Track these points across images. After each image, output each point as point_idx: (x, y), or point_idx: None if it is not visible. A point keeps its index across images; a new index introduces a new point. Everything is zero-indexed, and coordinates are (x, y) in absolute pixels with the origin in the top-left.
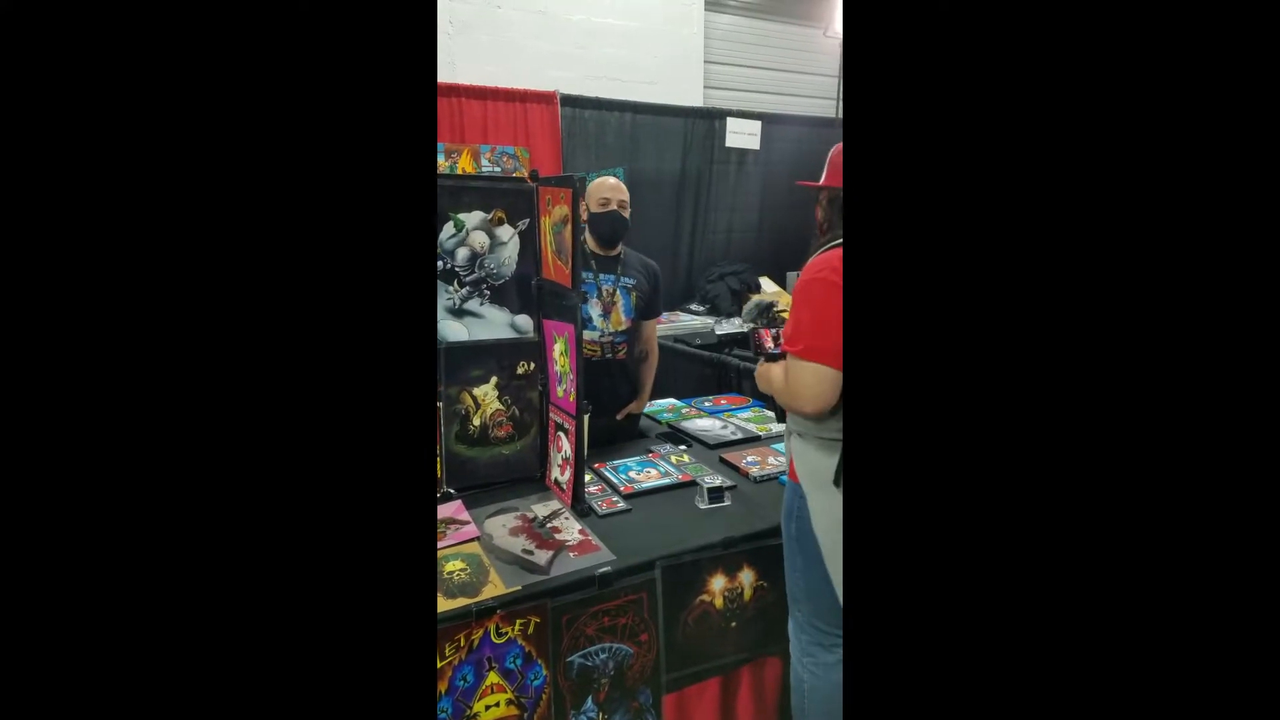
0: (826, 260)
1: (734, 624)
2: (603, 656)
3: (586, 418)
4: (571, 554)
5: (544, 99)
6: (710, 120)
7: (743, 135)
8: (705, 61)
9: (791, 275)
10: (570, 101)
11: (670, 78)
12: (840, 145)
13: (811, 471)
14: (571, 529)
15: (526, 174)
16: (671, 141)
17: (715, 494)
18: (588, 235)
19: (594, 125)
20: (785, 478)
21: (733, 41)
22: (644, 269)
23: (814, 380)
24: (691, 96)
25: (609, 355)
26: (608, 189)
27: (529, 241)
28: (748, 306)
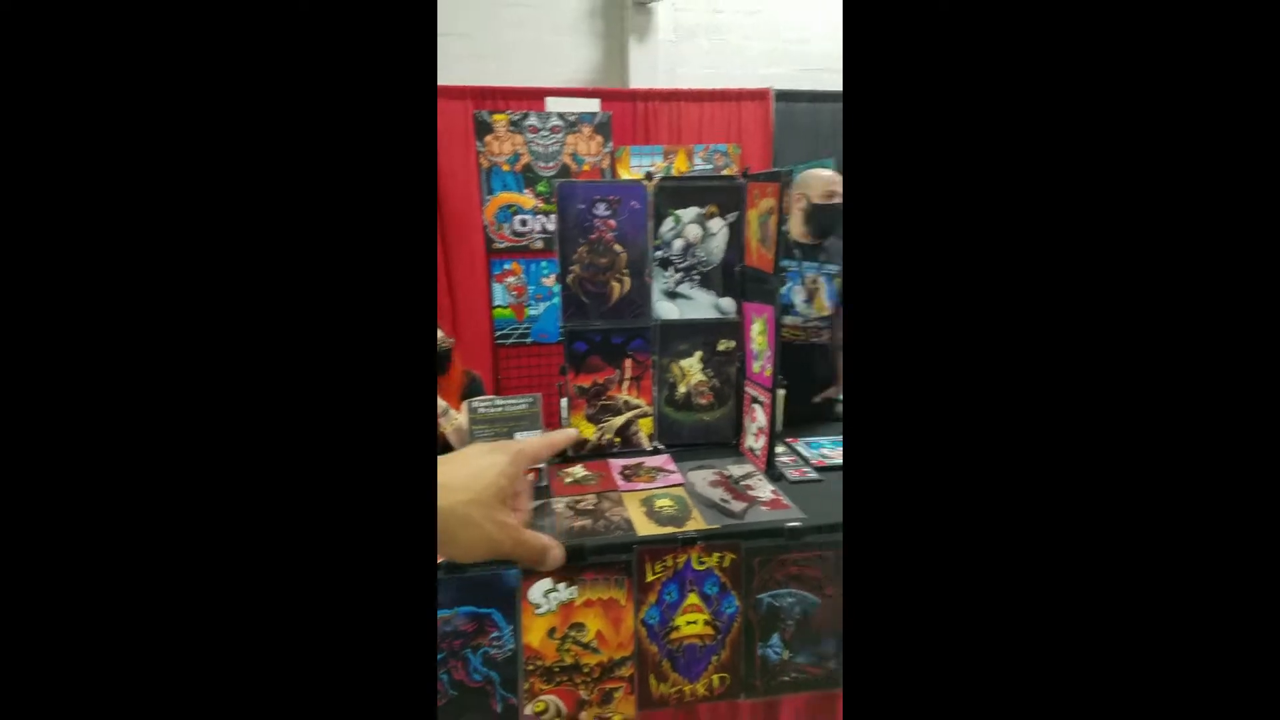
0: None
1: None
2: (790, 600)
3: (782, 394)
4: (764, 508)
5: (757, 96)
6: None
7: None
8: None
9: None
10: (784, 96)
11: None
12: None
13: None
14: (764, 489)
15: (738, 170)
16: None
17: None
18: (794, 225)
19: (806, 118)
20: None
21: None
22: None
23: None
24: None
25: (811, 339)
26: (831, 181)
27: (736, 232)
28: None
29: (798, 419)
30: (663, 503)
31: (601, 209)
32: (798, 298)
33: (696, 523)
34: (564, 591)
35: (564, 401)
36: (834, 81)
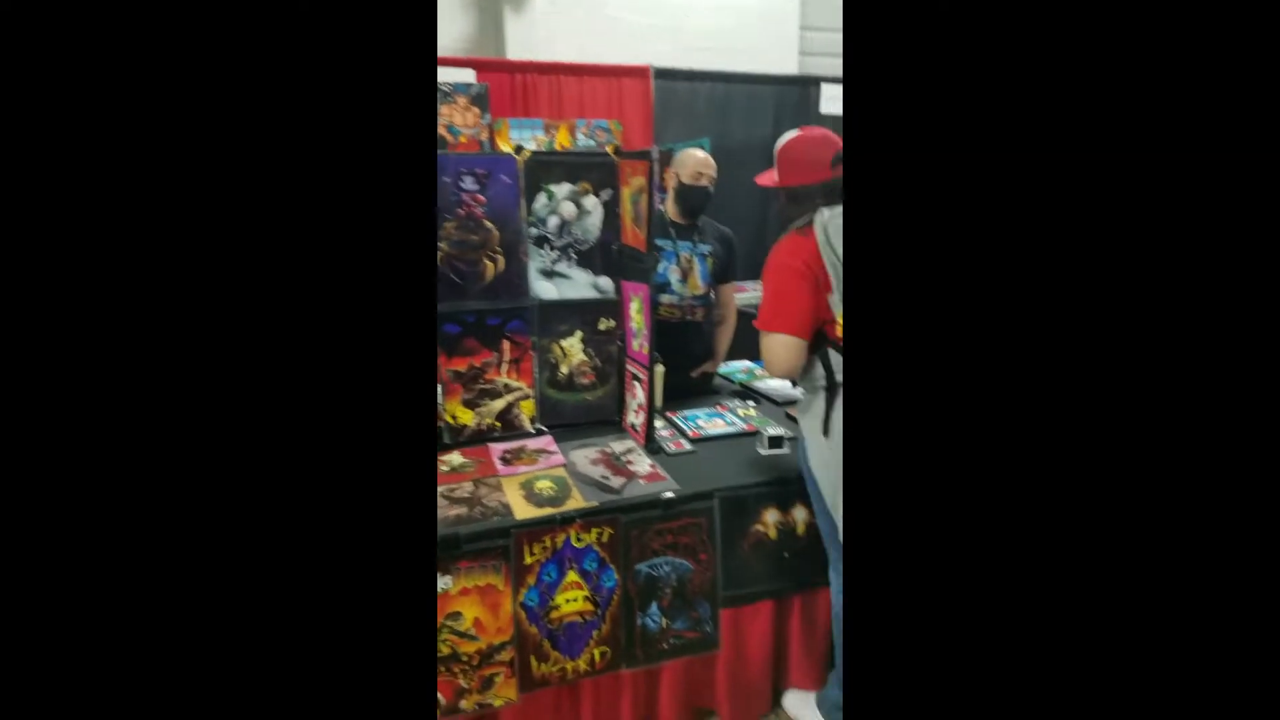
0: (780, 246)
1: (786, 554)
2: (666, 568)
3: (660, 370)
4: (641, 481)
5: (637, 73)
6: (804, 87)
7: (838, 101)
8: (801, 28)
9: None
10: (663, 75)
11: (764, 46)
12: (787, 142)
13: (805, 415)
14: (643, 463)
15: (614, 148)
16: (761, 110)
17: (775, 441)
18: (669, 204)
19: (686, 96)
20: None
21: (831, 5)
22: (720, 237)
23: (777, 347)
24: (786, 64)
25: (687, 317)
26: (700, 163)
27: (611, 210)
28: None
29: (677, 394)
30: (542, 484)
31: (469, 183)
32: (673, 277)
33: (576, 501)
34: (439, 582)
35: (438, 388)
36: (713, 61)
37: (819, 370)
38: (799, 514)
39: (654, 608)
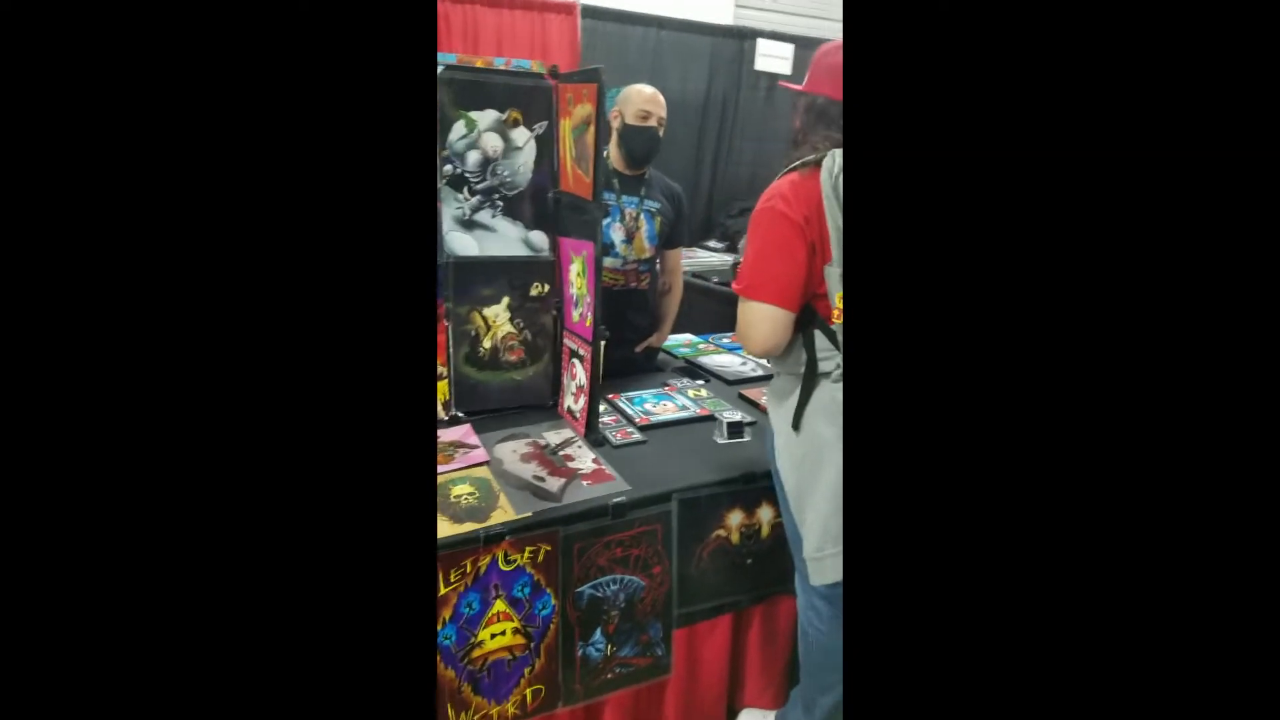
0: (779, 187)
1: (749, 560)
2: (614, 588)
3: (603, 345)
4: (585, 482)
5: (563, 9)
6: (739, 40)
7: (773, 59)
8: None
9: None
10: (591, 13)
11: None
12: (829, 46)
13: (776, 405)
14: (585, 458)
15: (551, 69)
16: (697, 61)
17: (734, 429)
18: (613, 150)
19: (616, 40)
20: None
21: None
22: (669, 193)
23: (757, 320)
24: (721, 14)
25: (631, 284)
26: (648, 100)
27: (546, 148)
28: None
29: (618, 371)
30: (460, 490)
31: None
32: (616, 236)
33: (504, 512)
34: None
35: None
36: (644, 4)
37: (799, 353)
38: (764, 514)
39: (598, 634)
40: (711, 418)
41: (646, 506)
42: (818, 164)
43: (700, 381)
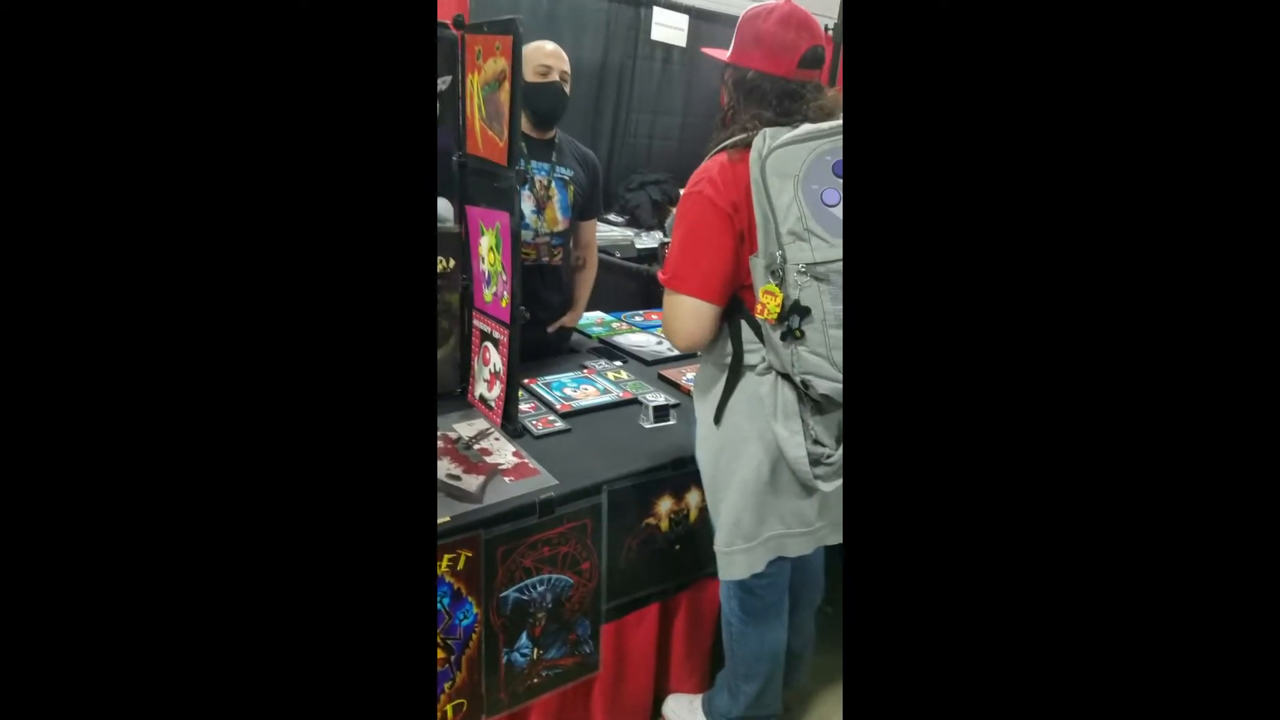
0: (708, 170)
1: (677, 547)
2: (540, 589)
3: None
4: (507, 479)
5: None
6: (636, 8)
7: (669, 29)
8: None
9: None
10: None
11: None
12: (754, 11)
13: (700, 396)
14: (504, 451)
15: (456, 18)
16: (593, 27)
17: (660, 412)
18: None
19: (507, 1)
20: None
21: None
22: (582, 160)
23: (682, 313)
24: None
25: (544, 259)
26: (548, 55)
27: (450, 106)
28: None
29: (529, 354)
30: None
31: None
32: (526, 207)
33: None
34: None
35: None
36: None
37: (725, 345)
38: (693, 498)
39: (523, 639)
40: (635, 401)
41: (575, 501)
42: (748, 145)
43: (618, 362)
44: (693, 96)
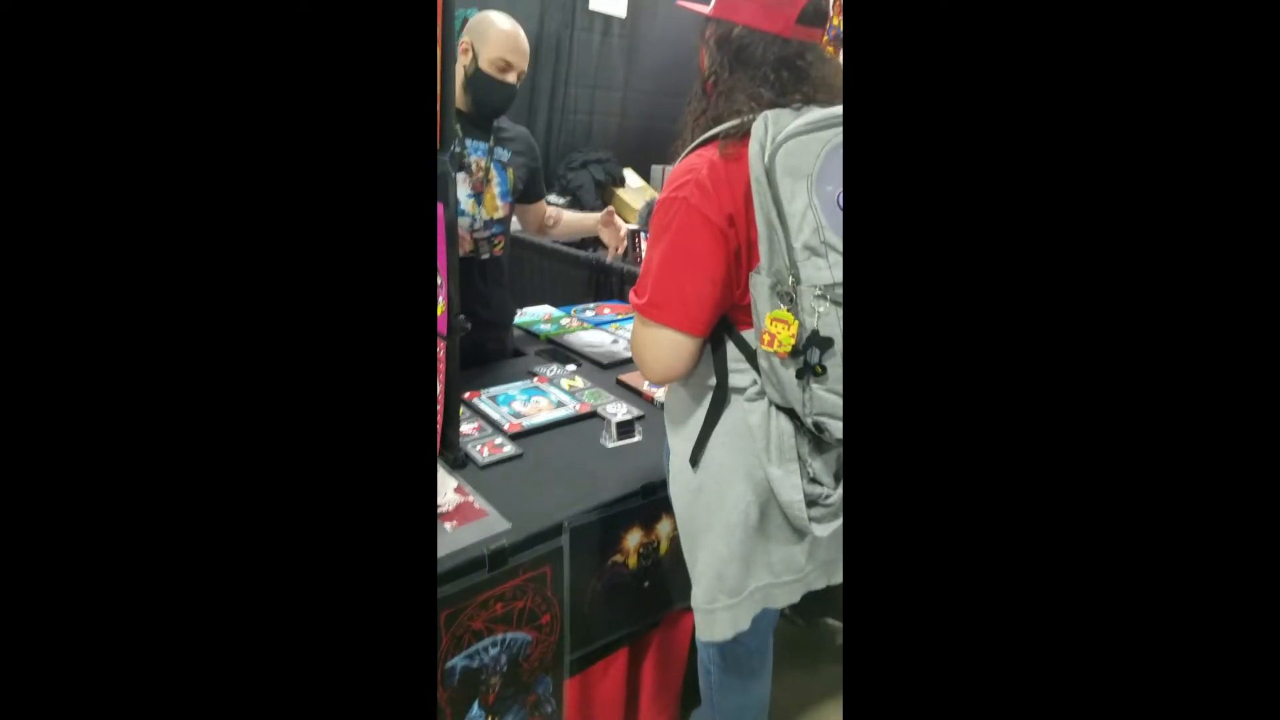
0: (695, 168)
1: (647, 583)
2: (493, 652)
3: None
4: (447, 525)
5: None
6: None
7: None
8: None
9: (658, 170)
10: None
11: None
12: None
13: (676, 422)
14: (443, 488)
15: None
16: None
17: (625, 429)
18: (457, 89)
19: None
20: None
21: None
22: (522, 140)
23: (657, 345)
24: None
25: (484, 253)
26: (512, 49)
27: None
28: (642, 211)
29: (467, 360)
30: None
31: None
32: (462, 191)
33: None
34: None
35: None
36: None
37: (706, 366)
38: (663, 528)
39: (475, 709)
40: (594, 414)
41: (532, 547)
42: (744, 134)
43: (571, 366)
44: (635, 70)
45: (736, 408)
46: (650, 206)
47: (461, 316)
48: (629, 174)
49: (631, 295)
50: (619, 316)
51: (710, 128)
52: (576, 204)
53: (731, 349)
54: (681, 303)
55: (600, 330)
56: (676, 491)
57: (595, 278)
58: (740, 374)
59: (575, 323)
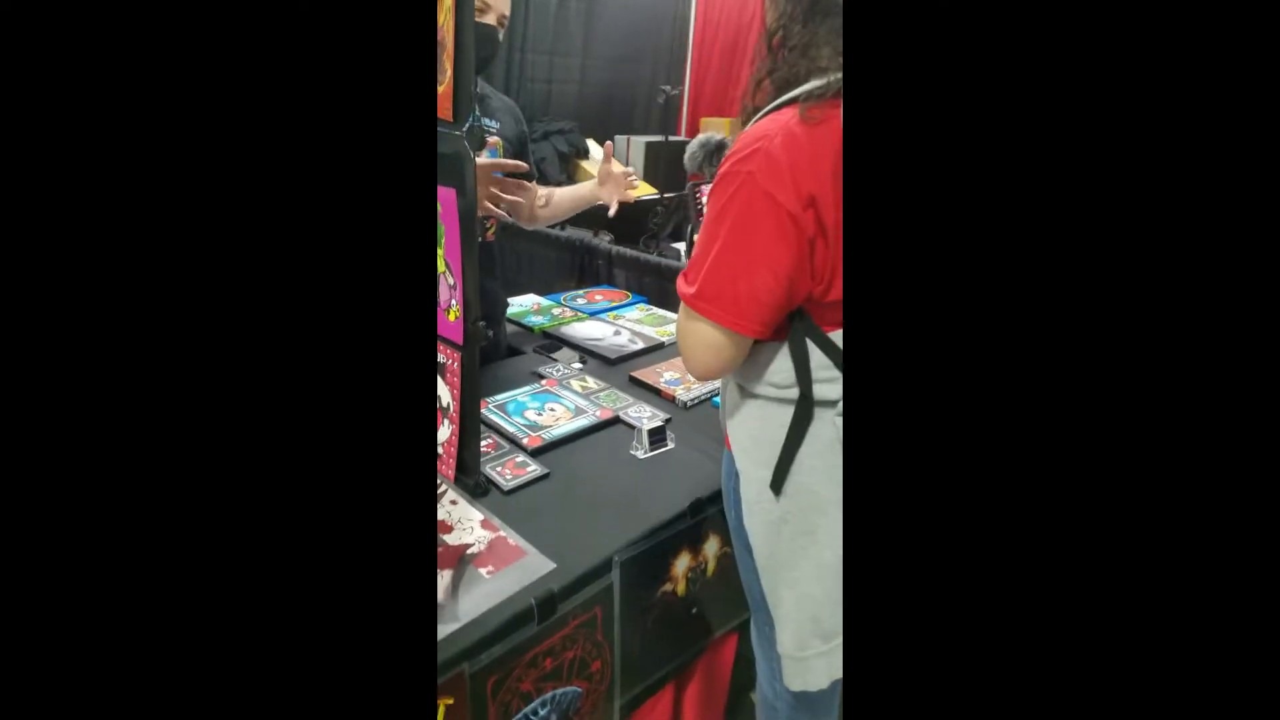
0: (765, 136)
1: (694, 610)
2: (544, 712)
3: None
4: (483, 571)
5: None
6: None
7: None
8: None
9: (621, 141)
10: None
11: None
12: None
13: (749, 444)
14: (471, 523)
15: None
16: None
17: (657, 437)
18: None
19: None
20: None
21: None
22: (509, 111)
23: (706, 342)
24: None
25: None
26: None
27: None
28: (693, 146)
29: None
30: None
31: None
32: None
33: None
34: None
35: None
36: None
37: (785, 371)
38: (710, 548)
39: None
40: (617, 420)
41: (582, 588)
42: (835, 95)
43: (577, 365)
44: (593, 36)
45: (825, 424)
46: (705, 146)
47: (482, 323)
48: (591, 144)
49: (680, 279)
50: (613, 304)
51: (784, 91)
52: (543, 177)
53: (817, 354)
54: (734, 299)
55: (599, 321)
56: (754, 524)
57: (580, 260)
58: (829, 384)
59: (568, 313)
